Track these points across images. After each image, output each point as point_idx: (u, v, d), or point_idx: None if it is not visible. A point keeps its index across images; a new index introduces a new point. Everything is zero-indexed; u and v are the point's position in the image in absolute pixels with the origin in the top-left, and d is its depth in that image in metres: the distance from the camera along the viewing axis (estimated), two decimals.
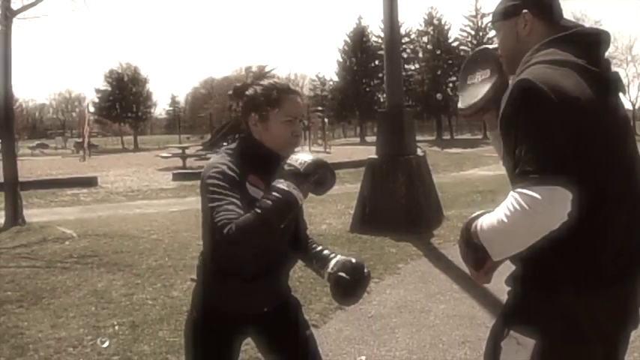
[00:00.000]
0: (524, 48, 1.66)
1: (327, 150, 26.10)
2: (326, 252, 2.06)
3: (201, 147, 26.04)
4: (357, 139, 47.94)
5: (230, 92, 2.00)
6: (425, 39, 52.88)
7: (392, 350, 3.82)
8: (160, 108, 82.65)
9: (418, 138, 14.50)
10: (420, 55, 52.90)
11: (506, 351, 1.59)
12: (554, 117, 1.45)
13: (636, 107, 52.46)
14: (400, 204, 7.79)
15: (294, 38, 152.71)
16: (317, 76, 61.48)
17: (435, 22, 52.44)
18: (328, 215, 9.26)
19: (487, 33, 49.19)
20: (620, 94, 1.67)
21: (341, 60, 54.50)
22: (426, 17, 52.81)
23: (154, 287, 5.33)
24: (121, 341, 4.00)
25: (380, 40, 47.64)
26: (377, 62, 50.95)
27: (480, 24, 50.82)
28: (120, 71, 59.07)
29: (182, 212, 10.26)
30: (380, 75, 47.82)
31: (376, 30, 51.71)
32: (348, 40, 54.25)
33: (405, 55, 48.12)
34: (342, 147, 32.00)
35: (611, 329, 1.57)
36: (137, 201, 13.22)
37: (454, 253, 5.03)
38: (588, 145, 1.47)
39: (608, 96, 1.58)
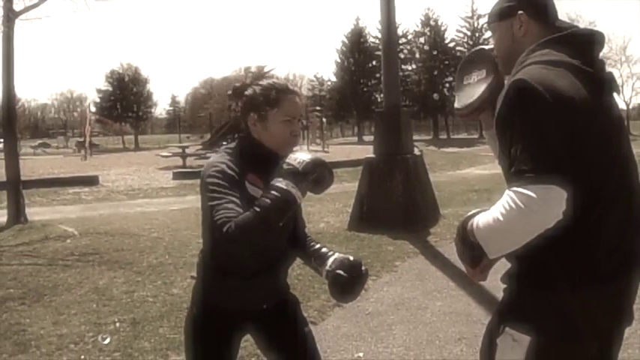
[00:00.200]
0: (520, 48, 1.68)
1: (326, 149, 26.01)
2: (324, 250, 2.06)
3: (200, 146, 26.01)
4: (355, 139, 47.76)
5: (229, 92, 2.00)
6: (422, 40, 52.85)
7: (389, 347, 3.84)
8: (161, 108, 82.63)
9: (415, 137, 14.51)
10: (417, 55, 52.85)
11: (502, 347, 1.60)
12: (549, 117, 1.46)
13: (630, 107, 52.44)
14: (397, 202, 7.82)
15: (293, 39, 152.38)
16: (315, 76, 61.51)
17: (432, 23, 52.41)
18: (326, 214, 9.29)
19: (483, 34, 49.18)
20: (615, 94, 1.67)
21: (339, 60, 54.46)
22: (423, 18, 52.76)
23: (154, 285, 5.36)
24: (122, 338, 4.02)
25: (377, 41, 47.55)
26: (374, 63, 50.93)
27: (475, 25, 50.79)
28: (121, 71, 59.02)
29: (182, 211, 10.28)
30: (377, 75, 47.86)
31: (374, 31, 51.66)
32: (345, 40, 54.18)
33: (402, 56, 48.10)
34: (340, 146, 31.94)
35: (606, 326, 1.58)
36: (138, 199, 13.22)
37: (450, 251, 5.04)
38: (583, 145, 1.48)
39: (602, 96, 1.59)
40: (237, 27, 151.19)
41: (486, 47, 1.94)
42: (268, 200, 1.69)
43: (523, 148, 1.45)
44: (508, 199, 1.44)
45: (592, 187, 1.49)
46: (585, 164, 1.49)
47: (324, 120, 35.73)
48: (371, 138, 13.19)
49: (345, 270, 1.94)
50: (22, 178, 10.23)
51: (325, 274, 1.98)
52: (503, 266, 1.66)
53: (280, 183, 1.72)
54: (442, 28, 52.63)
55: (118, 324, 4.30)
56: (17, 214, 9.35)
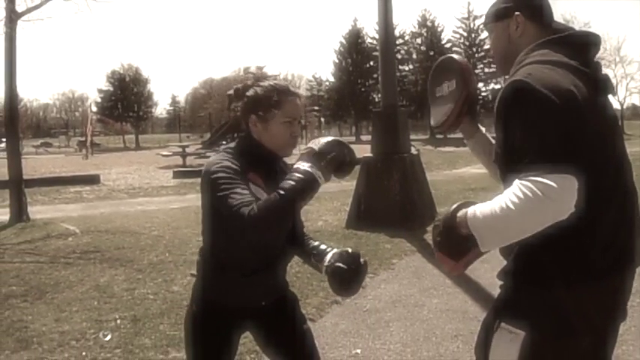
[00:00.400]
0: (516, 49, 1.70)
1: None
2: (322, 246, 2.05)
3: (200, 146, 26.07)
4: (353, 138, 47.71)
5: (231, 93, 2.00)
6: (418, 40, 53.06)
7: (386, 343, 3.86)
8: (161, 108, 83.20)
9: (412, 137, 14.49)
10: (414, 56, 53.05)
11: (497, 343, 1.61)
12: (547, 114, 1.47)
13: (624, 107, 52.53)
14: (394, 201, 7.86)
15: (292, 40, 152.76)
16: (313, 76, 61.81)
17: (429, 24, 52.63)
18: (324, 212, 9.34)
19: (479, 35, 49.35)
20: (609, 95, 1.69)
21: (337, 61, 54.64)
22: (420, 19, 53.04)
23: (154, 282, 5.39)
24: (123, 335, 4.05)
25: (375, 42, 47.82)
26: (372, 63, 51.15)
27: (472, 26, 50.98)
28: (122, 72, 59.26)
29: (182, 209, 10.31)
30: (375, 75, 48.05)
31: (371, 32, 51.83)
32: (343, 41, 54.34)
33: (399, 56, 48.33)
34: None
35: (601, 322, 1.60)
36: (138, 198, 13.22)
37: None
38: (578, 145, 1.48)
39: (598, 96, 1.61)
40: (237, 27, 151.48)
41: (455, 56, 1.98)
42: (291, 181, 1.68)
43: (535, 140, 1.45)
44: (522, 187, 1.41)
45: (587, 187, 1.49)
46: (581, 163, 1.48)
47: (322, 119, 35.73)
48: (368, 137, 13.21)
49: (345, 262, 1.92)
50: (25, 177, 10.24)
51: (324, 269, 1.96)
52: (499, 263, 1.67)
53: (300, 165, 1.72)
54: (439, 29, 52.90)
55: (118, 321, 4.33)
56: (19, 212, 9.38)
